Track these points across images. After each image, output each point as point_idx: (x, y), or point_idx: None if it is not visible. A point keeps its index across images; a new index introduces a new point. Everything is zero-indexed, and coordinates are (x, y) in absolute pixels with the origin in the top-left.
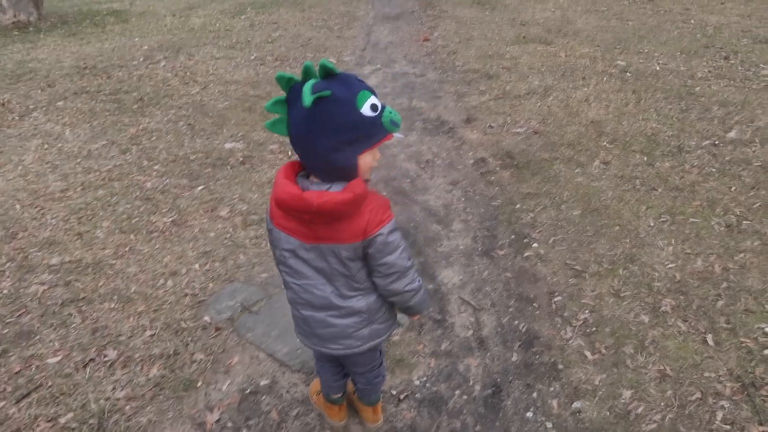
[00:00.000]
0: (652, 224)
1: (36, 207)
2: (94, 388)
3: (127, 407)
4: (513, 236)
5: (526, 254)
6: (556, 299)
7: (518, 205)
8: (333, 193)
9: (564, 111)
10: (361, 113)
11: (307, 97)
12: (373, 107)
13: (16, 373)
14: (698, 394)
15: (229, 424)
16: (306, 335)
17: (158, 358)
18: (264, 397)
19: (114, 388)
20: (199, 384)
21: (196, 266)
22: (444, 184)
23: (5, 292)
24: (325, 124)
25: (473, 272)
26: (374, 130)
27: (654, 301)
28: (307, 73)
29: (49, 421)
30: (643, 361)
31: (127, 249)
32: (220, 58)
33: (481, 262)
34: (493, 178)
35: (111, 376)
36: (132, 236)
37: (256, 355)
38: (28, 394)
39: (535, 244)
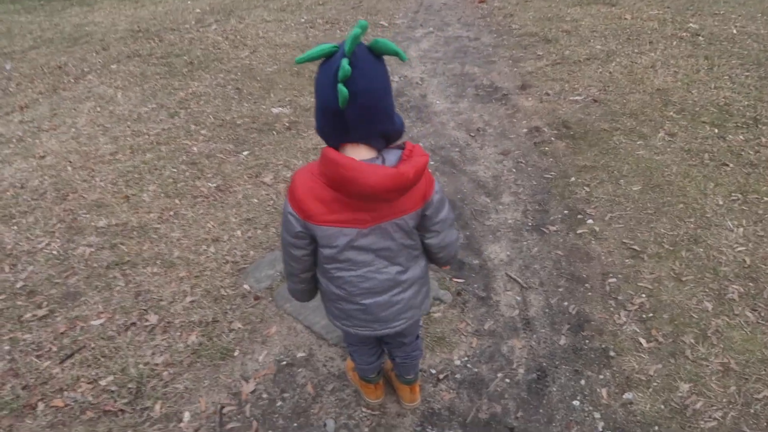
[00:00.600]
0: (720, 203)
1: (86, 169)
2: (134, 352)
3: (165, 373)
4: (566, 211)
5: (579, 231)
6: (610, 281)
7: (573, 179)
8: (414, 158)
9: (627, 78)
10: None
11: (401, 51)
12: None
13: (62, 333)
14: (766, 392)
15: (264, 396)
16: (364, 325)
17: (197, 325)
18: (300, 369)
19: (153, 353)
20: (236, 353)
21: (239, 233)
22: (494, 154)
23: (54, 252)
24: (389, 83)
25: (522, 248)
26: None
27: (719, 287)
28: (356, 38)
29: (90, 382)
30: (704, 352)
31: (171, 213)
32: (270, 21)
33: (530, 237)
34: (547, 148)
35: (151, 341)
36: (177, 201)
37: (294, 326)
38: (71, 355)
39: (589, 221)
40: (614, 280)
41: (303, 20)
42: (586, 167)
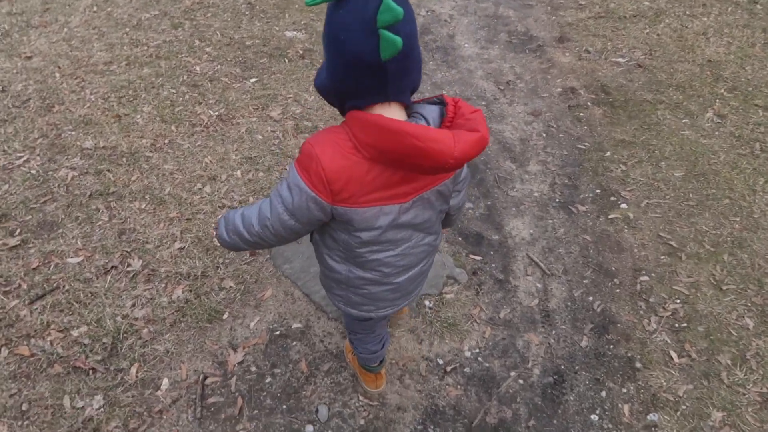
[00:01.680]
0: None
1: (76, 78)
2: (113, 301)
3: (145, 330)
4: (598, 191)
5: (611, 216)
6: (642, 278)
7: (608, 153)
8: (476, 118)
9: (676, 43)
10: None
11: None
12: None
13: (34, 269)
14: None
15: (253, 369)
16: (389, 305)
17: (184, 278)
18: (295, 343)
19: (134, 305)
20: (225, 316)
21: (238, 173)
22: (524, 113)
23: (33, 172)
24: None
25: (546, 227)
26: None
27: (763, 303)
28: None
29: (60, 331)
30: (741, 377)
31: (166, 141)
32: None
33: (557, 216)
34: (582, 114)
35: (132, 290)
36: (173, 127)
37: (292, 292)
38: (42, 296)
39: (623, 205)
40: (647, 278)
41: None
42: (624, 142)
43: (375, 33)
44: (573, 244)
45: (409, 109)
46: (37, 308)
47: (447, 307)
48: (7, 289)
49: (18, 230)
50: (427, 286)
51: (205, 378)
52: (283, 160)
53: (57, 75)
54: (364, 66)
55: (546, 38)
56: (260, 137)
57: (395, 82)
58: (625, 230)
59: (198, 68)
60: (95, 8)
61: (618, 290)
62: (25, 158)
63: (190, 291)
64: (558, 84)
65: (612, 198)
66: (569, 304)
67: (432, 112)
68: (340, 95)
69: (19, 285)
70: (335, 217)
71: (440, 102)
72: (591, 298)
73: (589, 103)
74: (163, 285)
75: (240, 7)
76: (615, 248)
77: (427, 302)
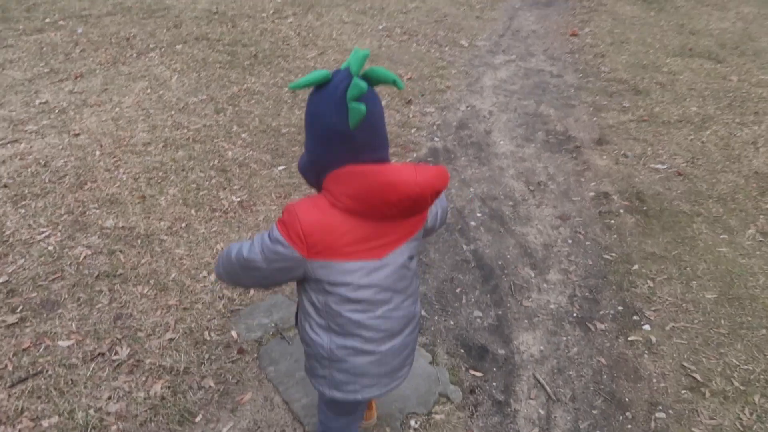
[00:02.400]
0: None
1: (114, 157)
2: (91, 391)
3: (113, 428)
4: (620, 308)
5: (631, 337)
6: (658, 415)
7: (636, 266)
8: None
9: (721, 152)
10: None
11: (398, 79)
12: None
13: (24, 349)
14: None
15: None
16: (374, 382)
17: (166, 372)
18: None
19: (110, 398)
20: (198, 419)
21: None
22: (552, 216)
23: (50, 248)
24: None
25: (559, 345)
26: None
27: None
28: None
29: (32, 419)
30: None
31: (183, 225)
32: (347, 22)
33: (572, 333)
34: (613, 222)
35: (113, 380)
36: (193, 211)
37: (272, 398)
38: (25, 380)
39: (646, 326)
40: (663, 415)
41: (381, 27)
42: (655, 256)
43: (345, 106)
44: (586, 366)
45: None
46: (15, 392)
47: (435, 429)
48: None
49: (20, 307)
50: (416, 403)
51: None
52: None
53: (97, 153)
54: (337, 137)
55: (584, 139)
56: None
57: (365, 150)
58: (645, 356)
59: (230, 153)
60: (149, 90)
61: (629, 426)
62: (46, 234)
63: (169, 387)
64: (591, 188)
65: (635, 317)
66: None
67: None
68: (318, 169)
69: (6, 366)
70: (312, 274)
71: None
72: None
73: (621, 210)
74: (144, 378)
75: (283, 96)
76: (632, 376)
77: (413, 422)
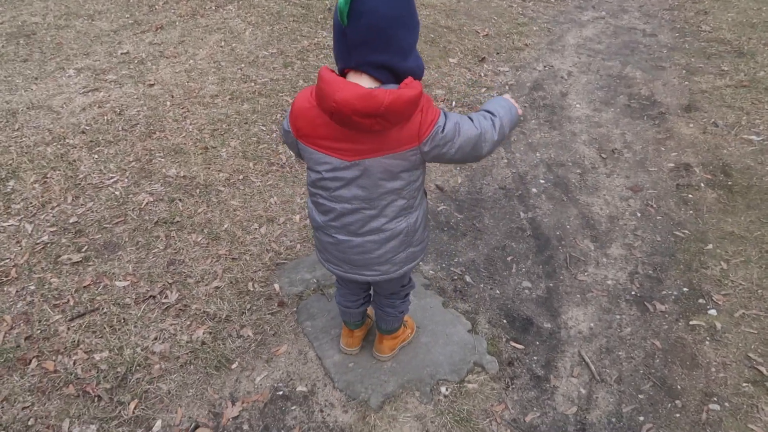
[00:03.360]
0: None
1: (182, 108)
2: (140, 330)
3: (156, 366)
4: (686, 289)
5: (693, 321)
6: (711, 407)
7: (710, 246)
8: (401, 89)
9: None
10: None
11: None
12: None
13: (85, 286)
14: None
15: (245, 427)
16: (335, 262)
17: (209, 319)
18: (294, 407)
19: (155, 339)
20: (234, 365)
21: (297, 218)
22: (622, 187)
23: (117, 193)
24: (411, 16)
25: (611, 323)
26: None
27: None
28: None
29: (86, 352)
30: None
31: (240, 177)
32: None
33: (627, 311)
34: (691, 196)
35: (160, 322)
36: (251, 164)
37: (306, 351)
38: (83, 315)
39: (712, 311)
40: (717, 407)
41: None
42: (733, 235)
43: (346, 4)
44: (638, 348)
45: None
46: (74, 326)
47: (465, 398)
48: (57, 302)
49: (85, 247)
50: (448, 370)
51: (197, 427)
52: None
53: (168, 103)
54: (337, 29)
55: (671, 105)
56: None
57: (357, 50)
58: (707, 342)
59: None
60: (222, 43)
61: (678, 415)
62: (115, 179)
63: (210, 333)
64: (671, 158)
65: (700, 300)
66: (613, 420)
67: (392, 87)
68: (334, 58)
69: (68, 300)
70: (302, 153)
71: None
72: (642, 418)
73: (702, 184)
74: (188, 322)
75: None
76: (688, 362)
77: (443, 389)
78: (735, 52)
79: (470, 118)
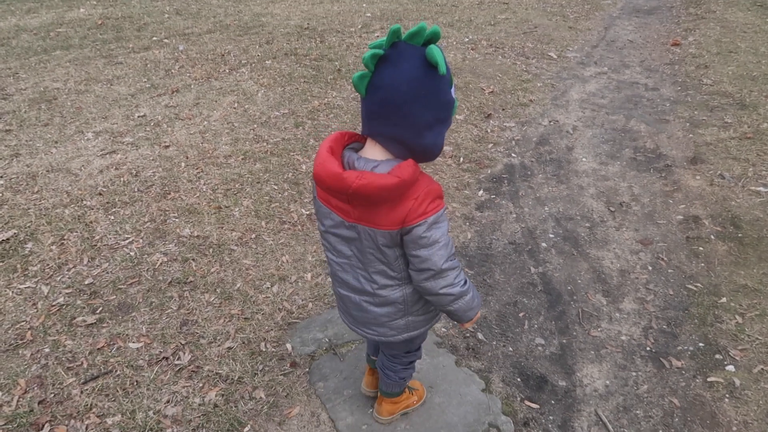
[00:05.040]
0: None
1: (197, 169)
2: (153, 393)
3: (169, 430)
4: (701, 344)
5: (711, 378)
6: None
7: (724, 300)
8: (375, 174)
9: None
10: (452, 94)
11: (442, 64)
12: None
13: (99, 348)
14: None
15: None
16: (343, 312)
17: (222, 380)
18: None
19: (168, 402)
20: (246, 429)
21: (308, 276)
22: (632, 240)
23: (132, 254)
24: (432, 96)
25: (627, 381)
26: (452, 114)
27: None
28: (419, 35)
29: (99, 416)
30: None
31: (253, 236)
32: None
33: (643, 368)
34: (701, 249)
35: (173, 384)
36: (264, 223)
37: (318, 414)
38: (96, 377)
39: (730, 367)
40: None
41: (467, 40)
42: (747, 288)
43: (361, 79)
44: (656, 406)
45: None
46: (87, 389)
47: None
48: (71, 365)
49: (100, 308)
50: (464, 431)
51: None
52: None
53: (183, 164)
54: (361, 98)
55: (677, 157)
56: None
57: (371, 120)
58: (726, 400)
59: (304, 167)
60: (236, 104)
61: None
62: (130, 240)
63: (223, 395)
64: (680, 210)
65: (717, 356)
66: None
67: (390, 165)
68: None
69: (82, 363)
70: (313, 202)
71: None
72: None
73: (712, 237)
74: (201, 384)
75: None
76: (708, 421)
77: None
78: (737, 105)
79: (453, 260)
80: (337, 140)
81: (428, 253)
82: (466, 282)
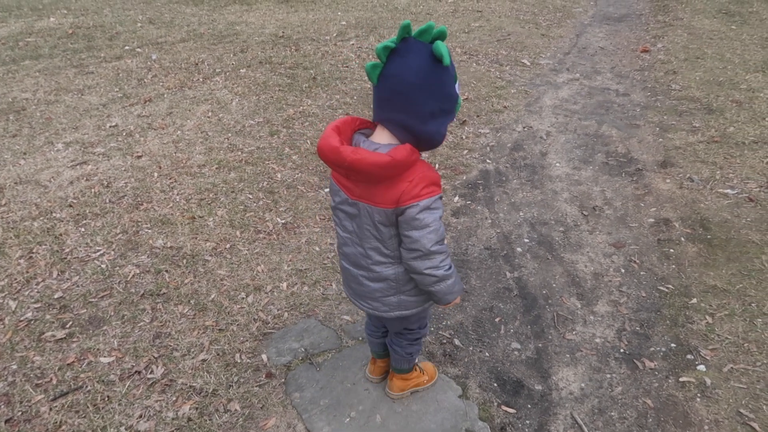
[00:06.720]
0: None
1: (170, 179)
2: (124, 408)
3: None
4: (673, 345)
5: (683, 378)
6: None
7: (694, 300)
8: (369, 152)
9: None
10: (456, 89)
11: (447, 57)
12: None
13: (69, 364)
14: None
15: None
16: (345, 285)
17: (196, 393)
18: None
19: (140, 417)
20: None
21: (284, 285)
22: (605, 244)
23: (103, 266)
24: (436, 87)
25: (602, 383)
26: (456, 108)
27: None
28: (427, 32)
29: None
30: None
31: (227, 246)
32: None
33: (617, 370)
34: (672, 250)
35: (146, 399)
36: (238, 232)
37: (294, 425)
38: (66, 394)
39: (701, 367)
40: None
41: None
42: (716, 289)
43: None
44: (630, 407)
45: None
46: (56, 406)
47: None
48: (40, 382)
49: (70, 323)
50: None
51: None
52: (332, 275)
53: (155, 175)
54: (373, 86)
55: (647, 161)
56: (317, 249)
57: (379, 107)
58: (698, 399)
59: (279, 175)
60: (210, 114)
61: None
62: (101, 252)
63: (197, 409)
64: (651, 214)
65: (688, 356)
66: None
67: (385, 148)
68: None
69: (51, 379)
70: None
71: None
72: None
73: (682, 239)
74: (174, 398)
75: (336, 117)
76: (680, 421)
77: None
78: (705, 110)
79: (442, 245)
80: (346, 123)
81: (419, 234)
82: (450, 267)
